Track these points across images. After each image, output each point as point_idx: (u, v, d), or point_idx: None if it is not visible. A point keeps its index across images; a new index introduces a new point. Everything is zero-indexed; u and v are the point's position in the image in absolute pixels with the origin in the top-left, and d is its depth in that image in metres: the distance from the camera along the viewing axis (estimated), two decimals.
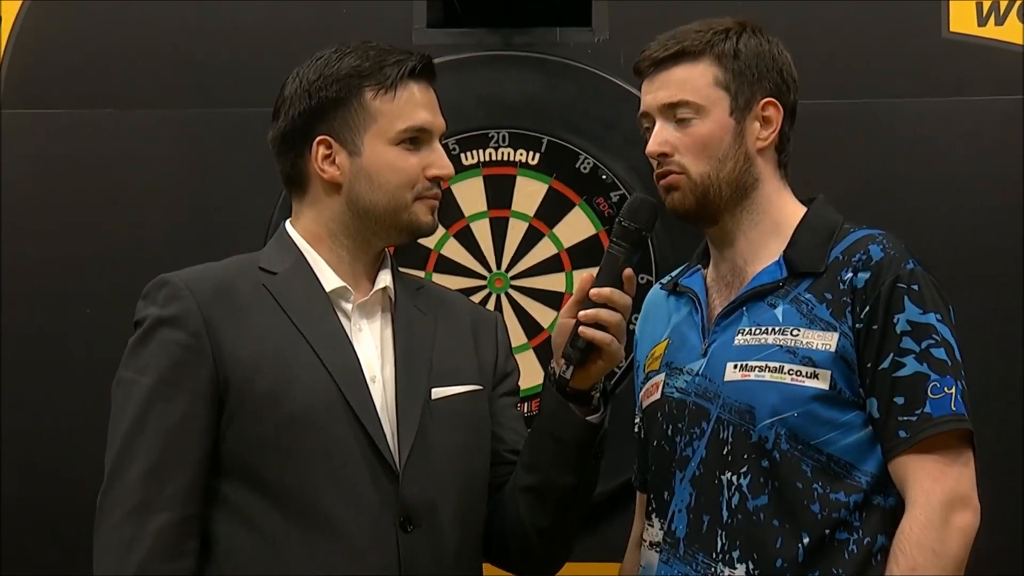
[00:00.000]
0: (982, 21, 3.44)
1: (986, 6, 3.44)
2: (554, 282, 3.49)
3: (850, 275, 2.50)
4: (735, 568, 2.49)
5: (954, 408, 2.44)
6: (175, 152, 3.59)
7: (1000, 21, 3.43)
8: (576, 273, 3.46)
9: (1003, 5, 3.43)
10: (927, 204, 3.42)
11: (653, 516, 2.63)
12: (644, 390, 2.71)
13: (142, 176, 3.58)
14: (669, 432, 2.61)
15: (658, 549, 2.60)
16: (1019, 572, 3.34)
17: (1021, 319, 3.38)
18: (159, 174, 3.58)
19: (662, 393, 2.64)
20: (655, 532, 2.62)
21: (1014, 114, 3.41)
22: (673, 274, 2.78)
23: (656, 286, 2.83)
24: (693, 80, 2.60)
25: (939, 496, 2.41)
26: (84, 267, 3.56)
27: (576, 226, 3.49)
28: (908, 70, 3.47)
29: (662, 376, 2.65)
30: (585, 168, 3.49)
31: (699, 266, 2.71)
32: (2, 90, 3.60)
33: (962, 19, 3.45)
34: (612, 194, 3.46)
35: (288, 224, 2.61)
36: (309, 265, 2.55)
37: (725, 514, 2.51)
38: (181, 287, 2.47)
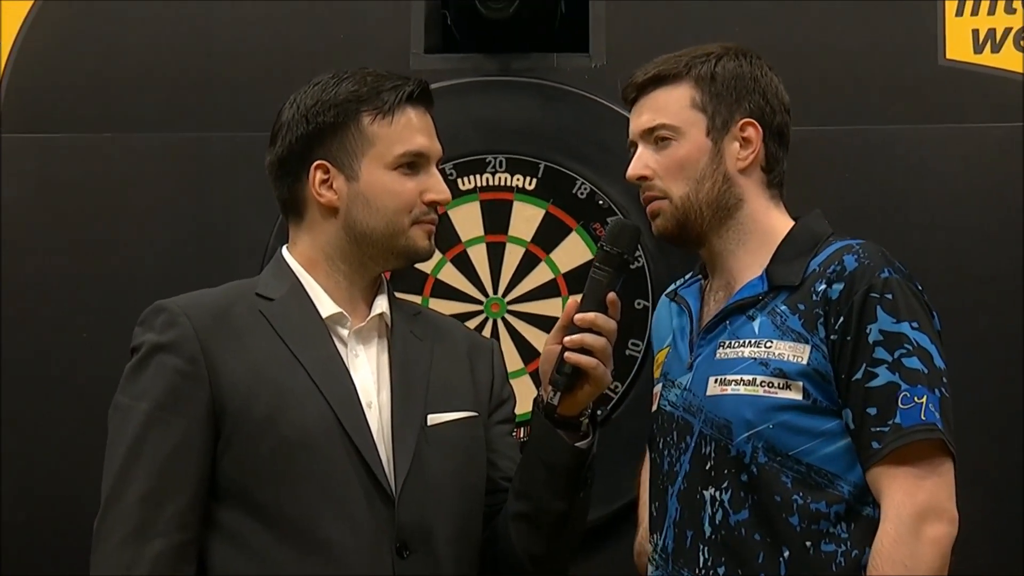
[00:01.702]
0: (978, 48, 3.45)
1: (983, 34, 3.45)
2: (551, 307, 3.48)
3: (824, 287, 2.48)
4: None
5: (924, 418, 2.40)
6: (172, 176, 3.59)
7: (996, 49, 3.44)
8: (573, 298, 3.44)
9: (999, 33, 3.44)
10: (923, 230, 3.43)
11: (652, 530, 2.64)
12: (653, 396, 2.71)
13: (139, 200, 3.58)
14: (660, 445, 2.62)
15: (655, 564, 2.61)
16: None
17: (1018, 342, 3.39)
18: (156, 198, 3.58)
19: (658, 405, 2.65)
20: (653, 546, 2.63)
21: (1011, 141, 3.42)
22: (678, 283, 2.78)
23: (664, 295, 2.82)
24: (671, 103, 2.61)
25: (910, 509, 2.38)
26: (81, 290, 3.56)
27: (573, 251, 3.49)
28: (905, 97, 3.48)
29: (659, 387, 2.67)
30: (582, 193, 3.49)
31: (700, 277, 2.71)
32: (1, 114, 3.60)
33: (959, 46, 3.46)
34: (609, 219, 3.44)
35: (284, 250, 2.61)
36: (305, 291, 2.54)
37: (708, 530, 2.50)
38: (178, 313, 2.47)
